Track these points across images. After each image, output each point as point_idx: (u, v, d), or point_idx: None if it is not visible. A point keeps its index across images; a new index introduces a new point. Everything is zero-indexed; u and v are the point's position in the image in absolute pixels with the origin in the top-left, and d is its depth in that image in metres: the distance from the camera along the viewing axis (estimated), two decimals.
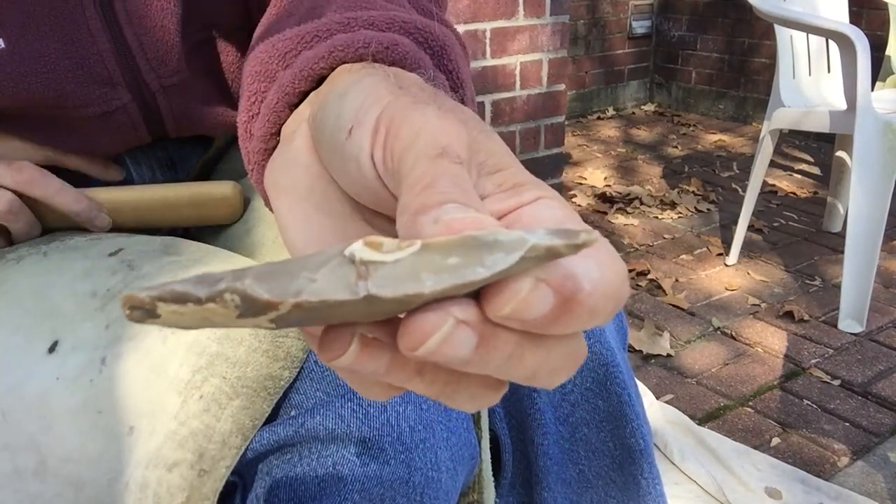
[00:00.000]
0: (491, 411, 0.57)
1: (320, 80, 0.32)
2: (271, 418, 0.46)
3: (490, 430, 0.56)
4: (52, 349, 0.50)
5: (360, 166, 0.27)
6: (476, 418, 0.53)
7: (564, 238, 0.20)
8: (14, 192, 0.57)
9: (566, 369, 0.23)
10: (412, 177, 0.24)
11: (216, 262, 0.55)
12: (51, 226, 0.61)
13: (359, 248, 0.21)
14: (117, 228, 0.62)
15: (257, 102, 0.35)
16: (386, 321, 0.23)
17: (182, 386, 0.46)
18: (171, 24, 0.60)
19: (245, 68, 0.37)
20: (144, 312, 0.20)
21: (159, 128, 0.64)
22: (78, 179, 0.62)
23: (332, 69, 0.32)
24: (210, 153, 0.74)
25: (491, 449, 0.55)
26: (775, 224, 2.53)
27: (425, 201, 0.22)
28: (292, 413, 0.46)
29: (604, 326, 0.56)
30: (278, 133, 0.33)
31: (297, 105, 0.33)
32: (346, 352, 0.22)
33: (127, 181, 0.67)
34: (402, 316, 0.22)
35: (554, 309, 0.21)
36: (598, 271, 0.21)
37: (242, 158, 0.37)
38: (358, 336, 0.22)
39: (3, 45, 0.55)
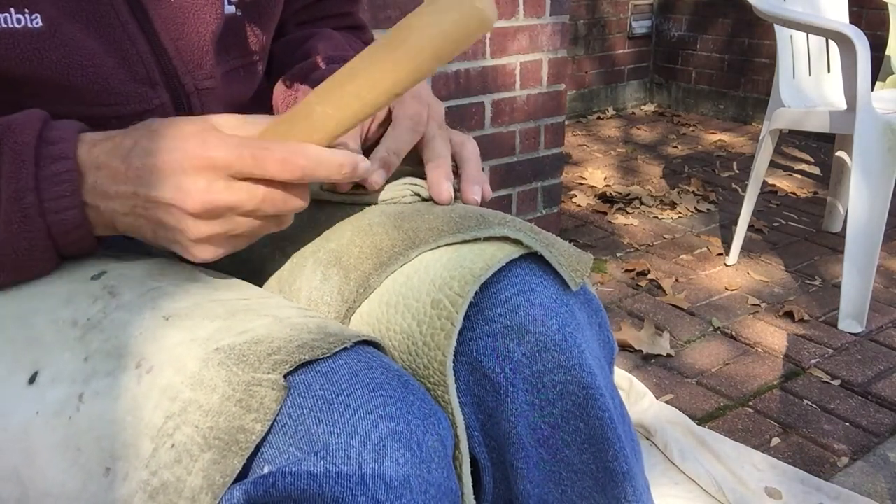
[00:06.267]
0: (469, 435, 0.57)
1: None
2: (242, 473, 0.44)
3: (469, 453, 0.55)
4: (32, 380, 0.50)
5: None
6: (455, 443, 0.52)
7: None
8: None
9: None
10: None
11: (199, 288, 0.54)
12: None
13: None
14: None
15: (292, 94, 0.74)
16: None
17: (154, 432, 0.46)
18: (208, 32, 0.64)
19: (278, 83, 0.77)
20: None
21: None
22: None
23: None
24: None
25: (471, 472, 0.54)
26: (775, 224, 2.53)
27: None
28: (265, 469, 0.44)
29: (584, 348, 0.55)
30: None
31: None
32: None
33: None
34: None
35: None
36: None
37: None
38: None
39: (40, 24, 0.55)
